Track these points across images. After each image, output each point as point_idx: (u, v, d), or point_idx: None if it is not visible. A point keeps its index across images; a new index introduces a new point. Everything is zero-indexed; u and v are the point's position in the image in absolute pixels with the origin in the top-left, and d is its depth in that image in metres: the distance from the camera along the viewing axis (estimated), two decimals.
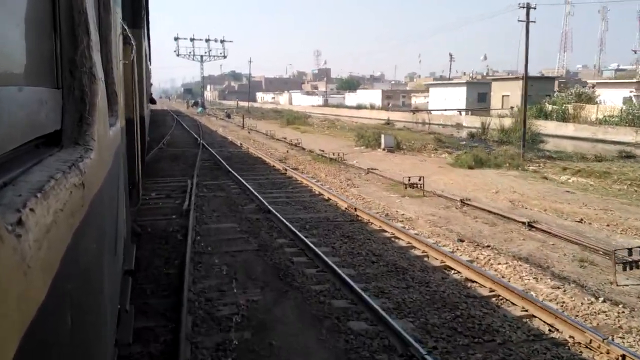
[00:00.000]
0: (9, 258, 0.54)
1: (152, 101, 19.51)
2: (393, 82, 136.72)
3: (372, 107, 65.63)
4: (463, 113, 45.94)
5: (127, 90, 3.91)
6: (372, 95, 79.17)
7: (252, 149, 18.34)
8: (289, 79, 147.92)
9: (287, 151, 17.91)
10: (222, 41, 65.68)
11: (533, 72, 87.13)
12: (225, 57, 67.30)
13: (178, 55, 64.09)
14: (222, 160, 14.68)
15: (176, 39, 62.17)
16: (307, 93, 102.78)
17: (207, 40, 65.32)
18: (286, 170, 13.35)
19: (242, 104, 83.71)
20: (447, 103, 51.57)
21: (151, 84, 21.09)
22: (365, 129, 28.56)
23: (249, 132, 27.49)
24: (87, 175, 0.99)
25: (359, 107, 68.62)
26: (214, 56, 67.01)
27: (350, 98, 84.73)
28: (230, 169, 13.10)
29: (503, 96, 45.56)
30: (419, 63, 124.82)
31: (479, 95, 52.39)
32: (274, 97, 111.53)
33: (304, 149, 18.73)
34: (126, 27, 4.01)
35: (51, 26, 1.16)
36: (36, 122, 0.99)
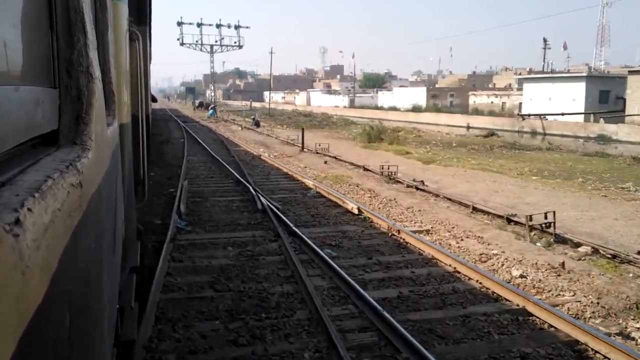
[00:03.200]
0: (6, 258, 0.60)
1: (153, 99, 18.32)
2: (412, 79, 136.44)
3: (443, 111, 59.12)
4: (600, 119, 39.13)
5: (133, 87, 4.31)
6: (413, 95, 73.85)
7: (409, 238, 8.10)
8: (298, 77, 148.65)
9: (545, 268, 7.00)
10: (236, 27, 57.87)
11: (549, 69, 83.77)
12: (240, 47, 59.21)
13: (182, 44, 57.04)
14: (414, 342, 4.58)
15: (179, 23, 55.59)
16: (329, 92, 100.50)
17: (219, 26, 57.81)
18: None
19: (254, 104, 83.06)
20: (552, 104, 44.66)
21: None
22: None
23: (325, 162, 17.31)
24: (84, 175, 1.12)
25: (416, 109, 62.88)
26: (226, 46, 59.39)
27: (385, 97, 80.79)
28: None
29: None
30: (450, 58, 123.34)
31: (600, 94, 44.24)
32: (284, 97, 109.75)
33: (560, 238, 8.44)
34: (133, 24, 4.28)
35: (47, 25, 1.32)
36: (33, 121, 1.14)
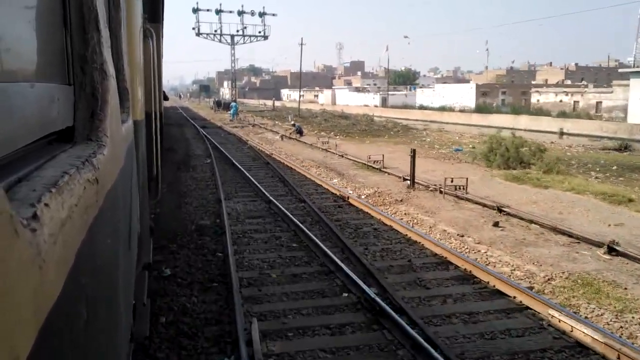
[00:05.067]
0: (24, 252, 0.65)
1: (165, 97, 18.21)
2: (436, 76, 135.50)
3: (522, 112, 50.07)
4: None
5: (146, 84, 4.59)
6: (459, 92, 68.67)
7: None
8: (317, 74, 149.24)
9: None
10: (261, 14, 53.56)
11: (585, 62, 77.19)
12: (266, 37, 54.78)
13: (198, 34, 53.30)
14: None
15: (195, 10, 52.34)
16: (357, 89, 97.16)
17: (241, 13, 53.95)
18: None
19: (270, 102, 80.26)
20: None
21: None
22: None
23: (497, 225, 10.10)
24: (100, 171, 1.20)
25: (482, 110, 55.37)
26: (249, 36, 55.28)
27: (424, 96, 76.69)
28: None
29: None
30: (486, 52, 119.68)
31: None
32: (303, 95, 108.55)
33: None
34: (147, 21, 4.57)
35: (62, 22, 1.41)
36: (48, 118, 1.23)
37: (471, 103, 63.27)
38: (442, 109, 61.71)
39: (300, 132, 30.03)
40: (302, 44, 52.37)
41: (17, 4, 1.07)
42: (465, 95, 66.03)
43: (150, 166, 4.73)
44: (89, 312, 1.03)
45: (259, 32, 54.43)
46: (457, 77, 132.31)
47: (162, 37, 13.90)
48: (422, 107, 66.68)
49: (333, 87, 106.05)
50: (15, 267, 0.59)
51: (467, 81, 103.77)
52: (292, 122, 33.47)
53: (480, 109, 55.84)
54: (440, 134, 33.52)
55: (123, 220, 1.88)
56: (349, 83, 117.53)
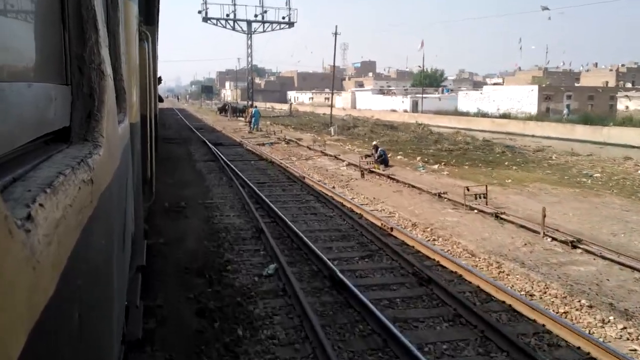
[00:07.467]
0: (18, 253, 0.68)
1: (160, 99, 18.43)
2: (451, 77, 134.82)
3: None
4: None
5: (141, 87, 4.76)
6: (517, 96, 60.33)
7: None
8: (326, 75, 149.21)
9: None
10: None
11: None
12: (291, 24, 47.88)
13: (206, 19, 46.82)
14: None
15: None
16: (381, 91, 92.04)
17: None
18: None
19: (279, 106, 76.69)
20: None
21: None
22: None
23: None
24: (95, 172, 1.24)
25: (590, 120, 43.47)
26: (270, 22, 48.35)
27: (468, 100, 68.19)
28: None
29: None
30: (520, 50, 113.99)
31: None
32: (312, 97, 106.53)
33: None
34: (142, 24, 4.76)
35: (60, 22, 1.47)
36: (45, 118, 1.27)
37: (532, 109, 56.08)
38: (502, 116, 53.35)
39: (385, 162, 19.94)
40: (336, 34, 42.75)
41: (15, 3, 1.11)
42: (523, 99, 58.50)
43: (144, 169, 4.88)
44: (82, 312, 1.07)
45: (283, 18, 47.75)
46: (474, 80, 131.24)
47: (157, 39, 14.20)
48: (484, 115, 56.68)
49: (352, 90, 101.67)
50: (9, 268, 0.61)
51: (483, 84, 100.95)
52: (374, 143, 22.54)
53: (586, 119, 44.18)
54: (590, 161, 22.59)
55: (118, 221, 1.93)
56: (360, 85, 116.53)
